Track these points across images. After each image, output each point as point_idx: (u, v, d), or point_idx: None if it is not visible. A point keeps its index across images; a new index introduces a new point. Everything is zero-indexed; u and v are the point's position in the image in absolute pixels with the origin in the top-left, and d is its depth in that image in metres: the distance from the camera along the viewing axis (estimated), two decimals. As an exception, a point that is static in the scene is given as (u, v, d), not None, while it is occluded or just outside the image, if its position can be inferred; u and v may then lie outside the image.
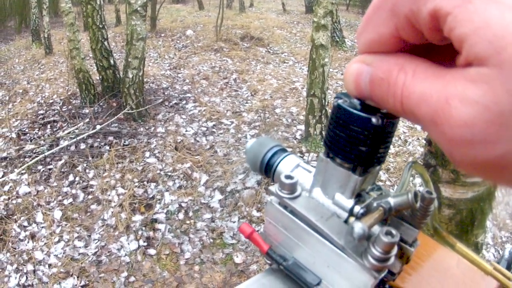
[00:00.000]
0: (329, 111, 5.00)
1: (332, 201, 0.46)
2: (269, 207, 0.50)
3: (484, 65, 0.22)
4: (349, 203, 0.44)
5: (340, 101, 0.40)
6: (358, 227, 0.38)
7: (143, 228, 3.85)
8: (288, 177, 0.48)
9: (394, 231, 0.41)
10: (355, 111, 0.39)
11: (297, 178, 0.49)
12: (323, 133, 4.89)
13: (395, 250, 0.42)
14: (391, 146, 5.11)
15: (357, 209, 0.44)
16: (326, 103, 5.04)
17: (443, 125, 0.24)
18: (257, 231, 0.54)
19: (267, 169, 0.55)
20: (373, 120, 0.38)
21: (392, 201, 0.43)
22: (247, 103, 6.41)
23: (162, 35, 10.43)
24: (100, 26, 6.00)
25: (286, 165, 0.53)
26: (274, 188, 0.48)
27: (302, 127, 5.38)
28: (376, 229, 0.44)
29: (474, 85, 0.23)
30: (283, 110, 6.08)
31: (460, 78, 0.24)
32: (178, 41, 9.96)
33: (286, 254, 0.51)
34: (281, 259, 0.51)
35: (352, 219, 0.44)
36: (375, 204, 0.43)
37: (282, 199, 0.48)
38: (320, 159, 0.45)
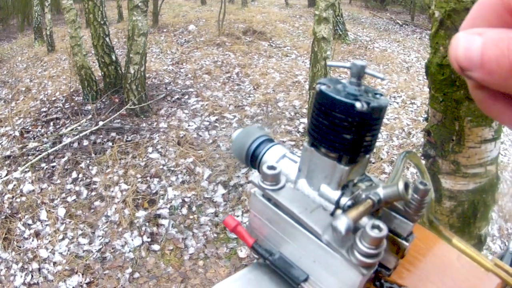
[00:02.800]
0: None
1: (317, 193, 0.43)
2: (253, 199, 0.48)
3: None
4: (335, 194, 0.42)
5: (322, 87, 0.38)
6: (342, 221, 0.36)
7: (147, 223, 3.84)
8: (271, 167, 0.45)
9: (382, 225, 0.38)
10: (337, 97, 0.36)
11: (281, 168, 0.46)
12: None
13: (384, 245, 0.39)
14: (395, 139, 5.09)
15: (344, 201, 0.41)
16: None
17: None
18: (243, 223, 0.52)
19: (253, 160, 0.52)
20: (357, 105, 0.36)
21: (381, 192, 0.40)
22: (249, 97, 6.38)
23: (165, 30, 10.39)
24: (102, 22, 5.97)
25: (272, 156, 0.50)
26: (256, 179, 0.46)
27: (305, 120, 5.35)
28: (365, 221, 0.41)
29: None
30: (286, 104, 6.05)
31: None
32: (181, 36, 9.90)
33: (272, 248, 0.49)
34: (267, 253, 0.48)
35: (339, 211, 0.42)
36: (363, 196, 0.41)
37: (264, 190, 0.45)
38: (305, 149, 0.42)
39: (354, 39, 10.44)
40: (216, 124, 5.42)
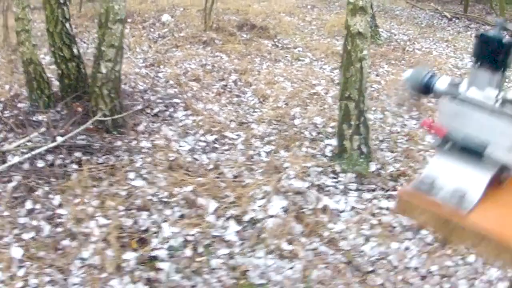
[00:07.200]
0: (368, 117, 5.16)
1: (483, 93, 1.13)
2: (441, 103, 1.21)
3: None
4: (495, 93, 1.12)
5: (484, 32, 1.10)
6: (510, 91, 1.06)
7: (140, 267, 4.15)
8: (453, 81, 1.16)
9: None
10: (493, 35, 1.07)
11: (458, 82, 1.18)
12: (363, 147, 5.23)
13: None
14: None
15: (501, 94, 1.11)
16: (366, 108, 5.40)
17: None
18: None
19: (426, 88, 1.23)
20: (504, 40, 1.06)
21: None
22: (255, 111, 6.93)
23: (129, 20, 10.69)
24: (61, 1, 6.13)
25: (441, 82, 1.21)
26: (445, 88, 1.17)
27: (332, 141, 5.84)
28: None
29: None
30: (304, 121, 6.57)
31: None
32: (152, 30, 10.49)
33: (457, 134, 1.18)
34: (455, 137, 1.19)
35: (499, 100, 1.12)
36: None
37: (452, 93, 1.16)
38: (472, 67, 1.14)
39: (387, 38, 11.17)
40: (216, 145, 5.95)
